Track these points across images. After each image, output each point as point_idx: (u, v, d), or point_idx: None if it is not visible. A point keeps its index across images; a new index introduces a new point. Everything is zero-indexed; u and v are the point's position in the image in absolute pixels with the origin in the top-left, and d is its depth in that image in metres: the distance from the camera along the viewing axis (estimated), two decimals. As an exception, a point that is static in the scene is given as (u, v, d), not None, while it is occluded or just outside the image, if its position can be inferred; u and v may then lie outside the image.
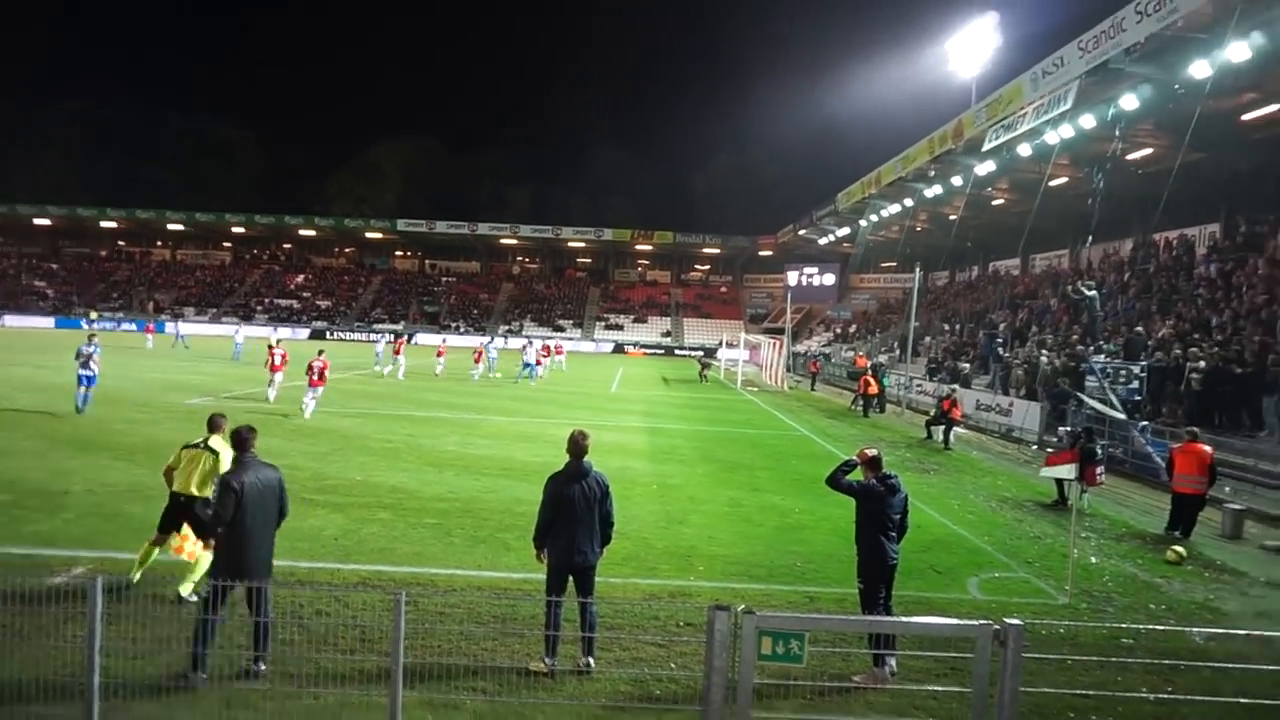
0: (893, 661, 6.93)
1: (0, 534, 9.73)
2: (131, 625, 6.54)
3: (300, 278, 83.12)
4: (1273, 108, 25.82)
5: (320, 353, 22.60)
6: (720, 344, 49.34)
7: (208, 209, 78.22)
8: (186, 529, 7.92)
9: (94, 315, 70.49)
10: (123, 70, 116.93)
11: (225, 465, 7.48)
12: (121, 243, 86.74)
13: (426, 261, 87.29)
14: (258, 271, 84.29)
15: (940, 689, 6.53)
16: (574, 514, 6.88)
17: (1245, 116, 26.68)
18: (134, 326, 67.62)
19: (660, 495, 14.02)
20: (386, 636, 5.61)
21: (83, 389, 19.43)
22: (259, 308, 76.26)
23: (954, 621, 5.66)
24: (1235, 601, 9.80)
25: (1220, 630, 8.67)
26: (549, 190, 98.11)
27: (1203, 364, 19.64)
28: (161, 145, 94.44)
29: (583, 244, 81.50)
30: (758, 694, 5.78)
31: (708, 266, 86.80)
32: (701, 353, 42.34)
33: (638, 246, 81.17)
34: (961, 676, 6.62)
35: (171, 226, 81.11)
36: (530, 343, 39.69)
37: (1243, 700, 6.55)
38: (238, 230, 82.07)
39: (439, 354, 39.46)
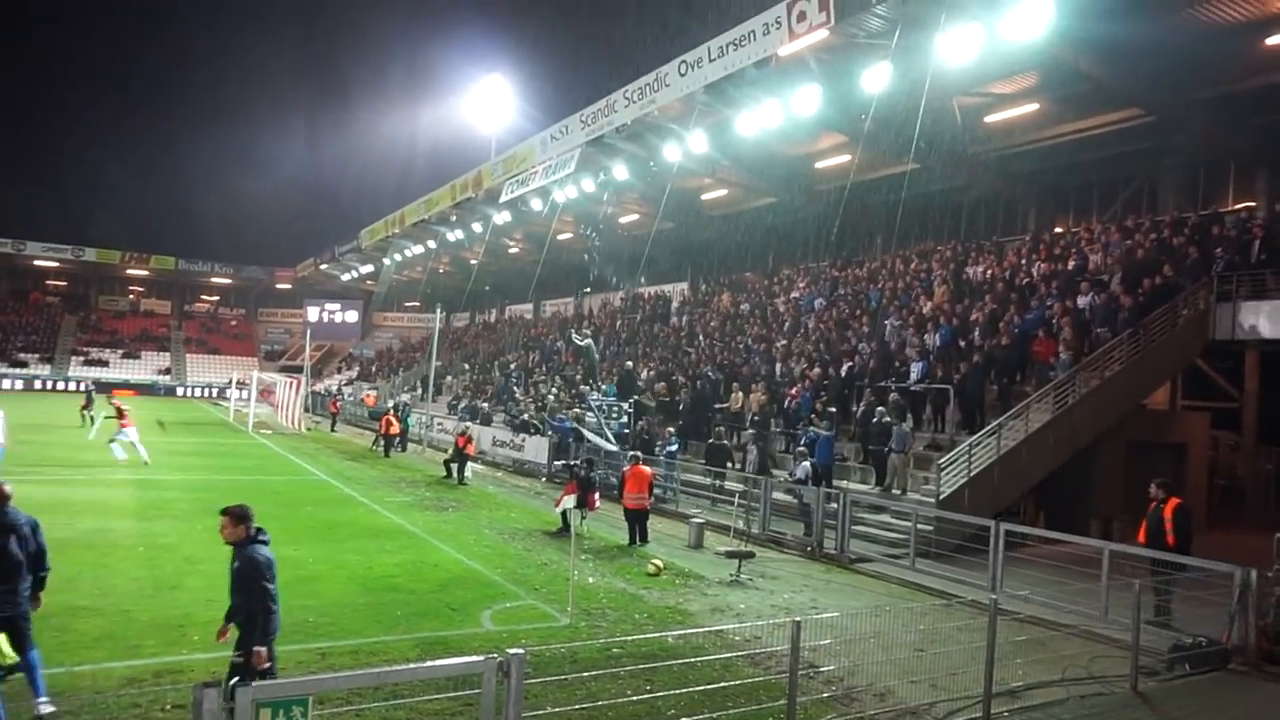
0: None
1: None
2: None
3: None
4: (722, 192, 31.76)
5: None
6: (230, 382, 44.99)
7: None
8: None
9: None
10: None
11: None
12: None
13: None
14: None
15: (453, 728, 6.64)
16: None
17: (704, 197, 32.41)
18: None
19: (148, 558, 12.26)
20: None
21: None
22: None
23: (459, 661, 5.80)
24: (698, 602, 11.62)
25: (686, 630, 10.18)
26: (4, 194, 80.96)
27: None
28: None
29: (56, 264, 68.53)
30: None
31: (217, 298, 78.87)
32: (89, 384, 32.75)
33: (130, 271, 70.79)
34: (477, 710, 6.80)
35: None
36: None
37: (701, 687, 7.77)
38: None
39: None
